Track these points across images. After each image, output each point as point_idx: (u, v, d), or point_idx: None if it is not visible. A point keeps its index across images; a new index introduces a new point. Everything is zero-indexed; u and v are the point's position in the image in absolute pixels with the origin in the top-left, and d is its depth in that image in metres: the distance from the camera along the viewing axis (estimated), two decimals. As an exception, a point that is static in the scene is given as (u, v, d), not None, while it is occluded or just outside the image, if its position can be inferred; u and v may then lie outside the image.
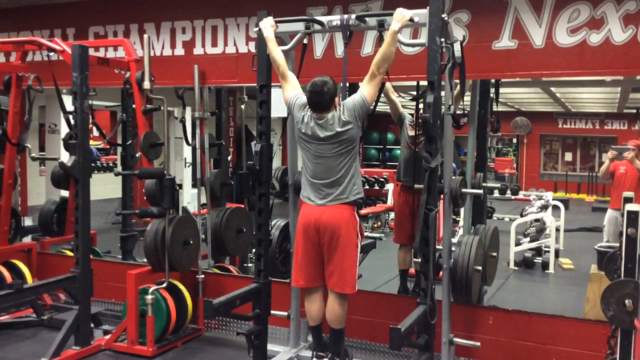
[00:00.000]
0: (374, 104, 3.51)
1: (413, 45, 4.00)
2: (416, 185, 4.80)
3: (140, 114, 4.84)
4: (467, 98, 4.55)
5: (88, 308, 4.39)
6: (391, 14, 3.33)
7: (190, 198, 8.38)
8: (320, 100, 3.41)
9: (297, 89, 3.62)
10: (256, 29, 3.73)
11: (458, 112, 3.62)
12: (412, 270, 5.33)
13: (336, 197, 3.47)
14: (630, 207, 2.83)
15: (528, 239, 8.11)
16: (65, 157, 4.41)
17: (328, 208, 3.47)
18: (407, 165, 5.12)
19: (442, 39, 3.28)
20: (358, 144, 3.54)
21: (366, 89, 3.41)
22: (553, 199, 9.06)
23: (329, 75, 3.48)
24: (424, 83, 3.54)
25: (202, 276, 4.85)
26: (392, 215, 10.81)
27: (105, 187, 10.51)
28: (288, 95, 3.60)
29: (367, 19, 3.50)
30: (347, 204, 3.48)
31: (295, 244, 3.68)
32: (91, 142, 5.11)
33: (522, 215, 8.88)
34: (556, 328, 3.91)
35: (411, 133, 5.07)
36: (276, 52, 3.60)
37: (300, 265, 3.61)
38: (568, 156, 18.54)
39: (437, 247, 3.67)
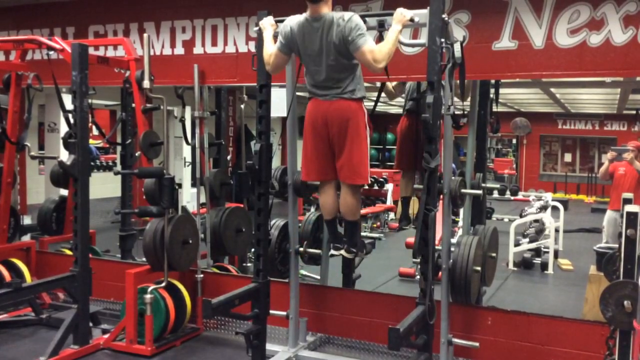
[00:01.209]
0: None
1: (413, 46, 4.01)
2: (416, 187, 4.78)
3: (140, 113, 4.83)
4: (467, 99, 4.55)
5: (87, 307, 4.38)
6: (391, 14, 3.33)
7: (189, 197, 8.39)
8: None
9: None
10: (256, 28, 3.73)
11: (457, 112, 3.62)
12: (411, 271, 5.32)
13: (342, 95, 3.44)
14: (629, 208, 2.84)
15: (527, 239, 8.11)
16: (64, 156, 4.40)
17: (335, 101, 3.46)
18: (410, 94, 5.01)
19: (442, 39, 3.27)
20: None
21: (366, 47, 3.24)
22: (552, 200, 9.07)
23: None
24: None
25: (201, 276, 4.85)
26: (391, 215, 10.83)
27: (104, 186, 10.51)
28: (274, 47, 3.53)
29: (367, 19, 3.50)
30: (354, 100, 3.47)
31: (303, 140, 3.65)
32: (90, 141, 5.11)
33: (521, 216, 8.89)
34: (555, 329, 3.91)
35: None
36: (268, 47, 3.57)
37: (310, 159, 3.60)
38: (567, 157, 18.56)
39: (436, 247, 3.67)
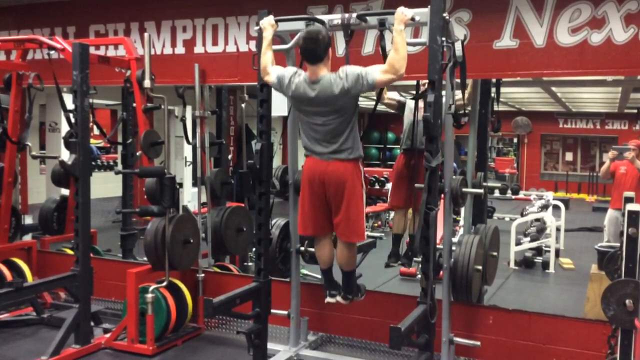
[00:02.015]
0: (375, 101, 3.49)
1: (414, 44, 3.99)
2: (417, 185, 4.78)
3: (141, 113, 4.83)
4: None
5: (88, 306, 4.39)
6: (392, 13, 3.33)
7: (190, 197, 8.38)
8: (314, 47, 3.32)
9: (279, 69, 3.55)
10: (257, 27, 3.72)
11: (459, 111, 3.62)
12: (412, 270, 5.30)
13: (338, 156, 3.44)
14: (630, 207, 2.83)
15: (528, 238, 8.11)
16: (65, 155, 4.41)
17: (332, 162, 3.46)
18: (409, 131, 5.00)
19: (443, 38, 3.27)
20: (356, 111, 3.45)
21: (378, 76, 3.26)
22: (553, 199, 9.07)
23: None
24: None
25: (202, 275, 4.85)
26: (392, 214, 10.82)
27: (105, 185, 10.51)
28: (272, 74, 3.52)
29: (368, 18, 3.50)
30: (351, 160, 3.47)
31: (300, 196, 3.68)
32: (91, 140, 5.11)
33: (522, 215, 8.88)
34: (556, 328, 3.91)
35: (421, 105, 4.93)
36: (266, 53, 3.56)
37: (307, 215, 3.62)
38: (569, 156, 18.54)
39: (438, 246, 3.67)
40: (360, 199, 3.51)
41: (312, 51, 3.33)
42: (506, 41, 3.97)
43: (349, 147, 3.43)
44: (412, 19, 3.28)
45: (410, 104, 5.06)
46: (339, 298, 3.72)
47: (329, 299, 3.77)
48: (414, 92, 4.93)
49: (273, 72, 3.53)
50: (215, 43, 4.95)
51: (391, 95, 5.12)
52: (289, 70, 3.49)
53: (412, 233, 4.72)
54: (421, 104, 4.14)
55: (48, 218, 5.75)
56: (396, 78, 3.24)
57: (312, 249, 4.22)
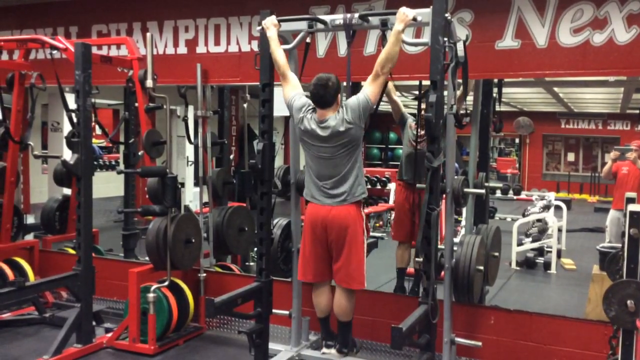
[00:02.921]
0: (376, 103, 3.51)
1: (416, 45, 4.00)
2: (418, 185, 4.80)
3: (143, 113, 4.84)
4: (470, 98, 4.55)
5: (90, 306, 4.39)
6: (394, 13, 3.33)
7: (192, 196, 8.39)
8: (324, 94, 3.42)
9: (297, 89, 3.62)
10: (259, 27, 3.73)
11: (460, 112, 3.62)
12: (410, 270, 5.32)
13: (342, 199, 3.51)
14: (632, 207, 2.83)
15: (530, 239, 8.11)
16: (67, 155, 4.42)
17: (335, 207, 3.51)
18: (408, 163, 5.12)
19: (445, 39, 3.27)
20: (361, 145, 3.55)
21: (370, 89, 3.42)
22: (555, 199, 9.05)
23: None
24: (426, 82, 3.53)
25: (204, 275, 4.85)
26: (394, 214, 10.82)
27: (107, 185, 10.53)
28: (288, 95, 3.62)
29: (370, 18, 3.50)
30: (353, 204, 3.52)
31: (302, 240, 3.72)
32: (94, 140, 5.12)
33: (524, 216, 8.88)
34: (558, 328, 3.90)
35: (422, 132, 5.05)
36: (277, 52, 3.61)
37: (308, 260, 3.66)
38: (570, 156, 18.52)
39: (439, 246, 3.67)
40: (361, 246, 3.56)
41: (322, 97, 3.44)
42: (508, 41, 3.97)
43: (353, 188, 3.50)
44: (414, 19, 3.29)
45: (409, 131, 5.12)
46: (333, 351, 3.76)
47: (325, 350, 3.81)
48: (416, 92, 4.96)
49: (290, 90, 3.60)
50: (217, 43, 4.95)
51: (398, 102, 5.16)
52: (306, 104, 3.54)
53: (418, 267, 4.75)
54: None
55: (50, 217, 5.75)
56: (384, 79, 3.39)
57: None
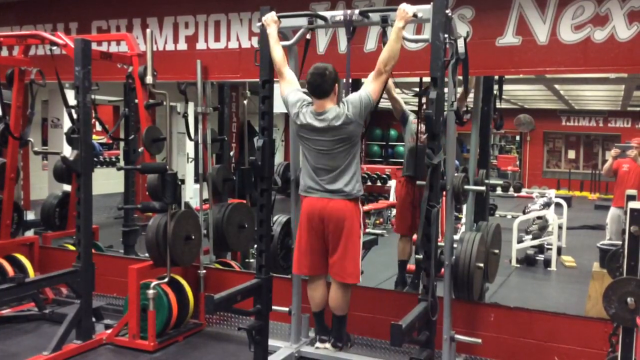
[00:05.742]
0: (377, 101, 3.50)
1: (416, 41, 3.99)
2: (419, 182, 4.80)
3: (143, 109, 4.83)
4: (471, 95, 4.54)
5: (90, 302, 4.40)
6: (395, 10, 3.32)
7: (192, 193, 8.39)
8: (321, 82, 3.40)
9: (293, 85, 3.61)
10: (259, 24, 3.72)
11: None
12: (411, 267, 5.34)
13: (340, 195, 3.49)
14: (633, 204, 2.82)
15: (530, 236, 8.10)
16: (67, 151, 4.41)
17: (333, 200, 3.49)
18: (411, 157, 5.12)
19: (446, 35, 3.26)
20: (359, 142, 3.53)
21: (372, 87, 3.40)
22: (556, 197, 9.05)
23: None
24: (427, 79, 3.53)
25: (204, 271, 4.85)
26: (394, 212, 10.81)
27: (107, 181, 10.51)
28: (284, 91, 3.61)
29: (370, 14, 3.49)
30: (351, 199, 3.51)
31: (298, 233, 3.69)
32: (94, 136, 5.12)
33: (524, 213, 8.87)
34: (558, 325, 3.90)
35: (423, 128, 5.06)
36: (275, 49, 3.59)
37: (303, 253, 3.64)
38: (571, 154, 18.52)
39: (439, 243, 3.67)
40: (358, 240, 3.54)
41: (319, 86, 3.41)
42: (509, 38, 3.96)
43: (350, 185, 3.48)
44: (415, 15, 3.28)
45: (412, 127, 5.13)
46: (328, 345, 3.74)
47: (318, 345, 3.79)
48: (417, 88, 4.96)
49: (286, 86, 3.58)
50: (217, 39, 4.94)
51: (399, 99, 5.16)
52: (301, 99, 3.51)
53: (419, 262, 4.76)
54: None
55: (50, 214, 5.76)
56: (386, 74, 3.36)
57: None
